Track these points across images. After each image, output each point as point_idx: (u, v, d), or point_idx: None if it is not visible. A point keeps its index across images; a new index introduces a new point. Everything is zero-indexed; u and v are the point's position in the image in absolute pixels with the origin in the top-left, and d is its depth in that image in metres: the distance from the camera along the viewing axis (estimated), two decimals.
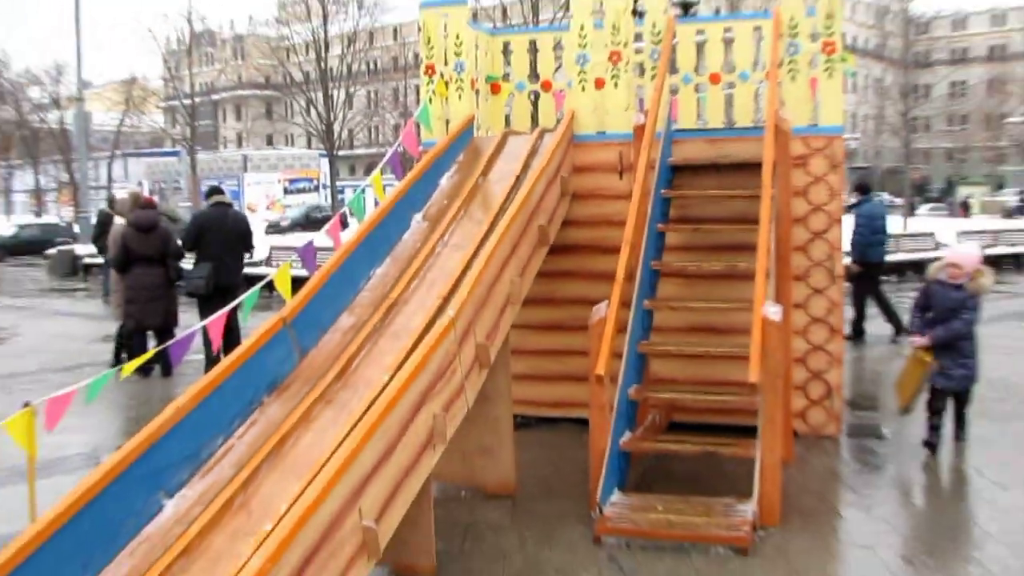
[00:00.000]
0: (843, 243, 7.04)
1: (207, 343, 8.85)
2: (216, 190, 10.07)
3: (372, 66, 56.72)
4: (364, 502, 3.66)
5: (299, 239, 10.72)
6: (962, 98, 66.29)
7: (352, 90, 42.35)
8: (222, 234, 9.35)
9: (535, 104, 7.83)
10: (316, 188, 51.83)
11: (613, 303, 5.35)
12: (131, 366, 4.89)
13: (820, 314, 6.80)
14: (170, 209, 14.48)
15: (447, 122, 7.20)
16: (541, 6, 28.51)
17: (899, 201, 39.20)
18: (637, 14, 7.36)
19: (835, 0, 6.72)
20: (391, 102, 57.04)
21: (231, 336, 8.48)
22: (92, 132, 34.83)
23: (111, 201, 16.83)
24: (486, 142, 6.98)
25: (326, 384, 4.53)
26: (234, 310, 5.30)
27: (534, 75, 7.68)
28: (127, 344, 9.77)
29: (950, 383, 6.24)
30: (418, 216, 6.02)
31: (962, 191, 55.48)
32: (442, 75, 7.20)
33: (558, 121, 7.14)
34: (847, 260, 9.64)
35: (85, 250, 22.22)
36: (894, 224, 20.71)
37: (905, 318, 8.38)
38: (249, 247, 9.96)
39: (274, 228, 39.53)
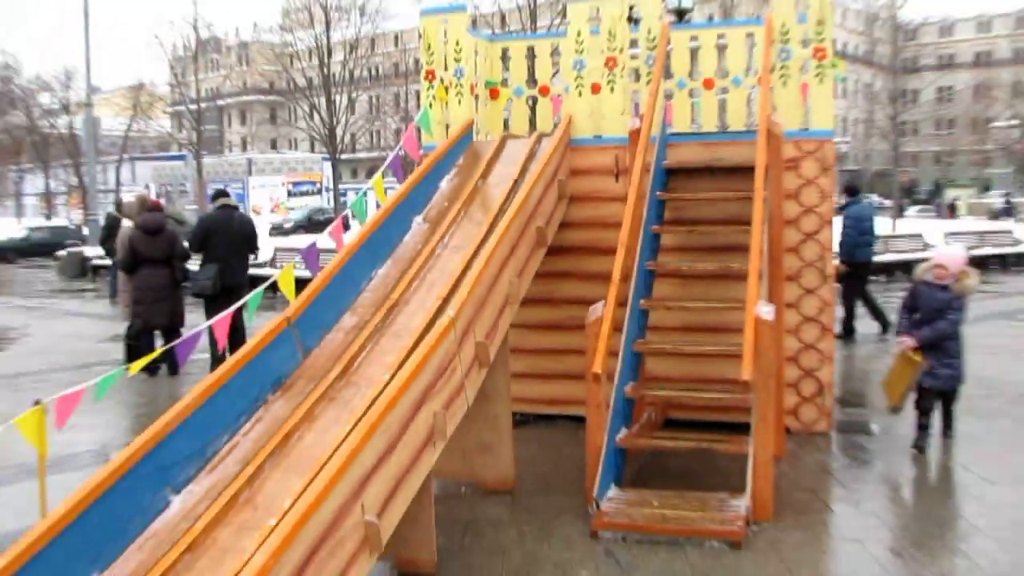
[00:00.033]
0: (833, 244, 7.04)
1: (213, 342, 8.85)
2: (222, 193, 10.07)
3: (374, 72, 56.67)
4: (366, 498, 3.65)
5: (302, 241, 10.71)
6: (949, 103, 66.33)
7: (354, 95, 42.25)
8: (228, 236, 9.35)
9: (533, 109, 7.83)
10: (319, 191, 51.80)
11: (609, 303, 5.35)
12: (138, 364, 4.88)
13: (812, 313, 6.80)
14: (177, 212, 14.46)
15: (447, 126, 7.20)
16: (539, 13, 28.53)
17: (888, 203, 39.24)
18: (633, 21, 7.37)
19: (826, 7, 6.71)
20: (392, 107, 57.07)
21: (237, 335, 8.48)
22: (101, 137, 34.84)
23: (118, 204, 16.83)
24: (485, 146, 6.98)
25: (329, 382, 4.53)
26: (240, 310, 5.30)
27: (532, 80, 7.68)
28: (135, 343, 9.76)
29: (936, 382, 6.23)
30: (419, 218, 6.02)
31: (949, 193, 55.55)
32: (442, 80, 7.19)
33: (555, 125, 7.14)
34: (835, 260, 9.65)
35: (94, 252, 22.20)
36: (883, 226, 20.71)
37: (892, 317, 8.39)
38: (254, 249, 9.97)
39: (277, 230, 39.54)
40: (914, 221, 38.55)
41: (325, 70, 37.35)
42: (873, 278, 17.07)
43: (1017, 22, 68.82)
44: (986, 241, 20.42)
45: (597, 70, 7.04)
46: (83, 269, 23.06)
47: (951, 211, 49.67)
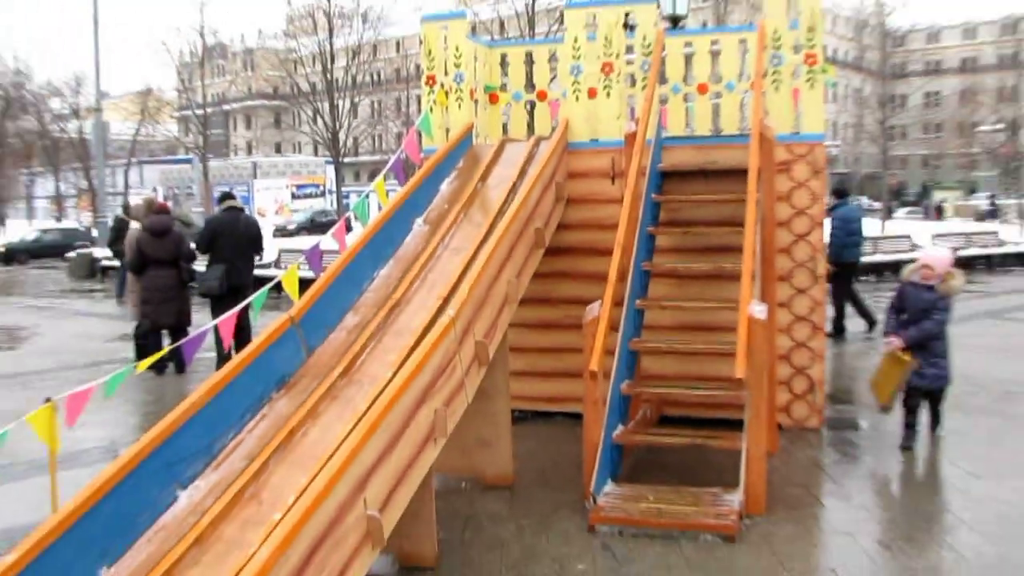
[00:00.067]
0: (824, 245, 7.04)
1: (219, 341, 8.85)
2: (228, 195, 10.07)
3: (376, 77, 56.60)
4: (368, 493, 3.65)
5: (306, 242, 10.70)
6: (936, 108, 66.34)
7: (357, 100, 42.15)
8: (234, 238, 9.35)
9: (531, 113, 7.82)
10: (322, 193, 51.77)
11: (606, 302, 5.35)
12: (145, 363, 4.88)
13: (803, 312, 6.80)
14: (184, 214, 14.46)
15: (447, 130, 7.19)
16: (537, 20, 28.51)
17: (877, 205, 39.27)
18: (628, 27, 7.36)
19: (816, 14, 6.72)
20: (394, 111, 56.99)
21: (242, 334, 8.47)
22: (109, 141, 34.76)
23: (126, 207, 16.83)
24: (484, 149, 6.97)
25: (332, 380, 4.52)
26: (245, 309, 5.29)
27: (530, 85, 7.67)
28: (144, 343, 9.76)
29: (923, 382, 6.20)
30: (420, 220, 6.01)
31: (936, 196, 55.54)
32: (442, 85, 7.19)
33: (553, 129, 7.13)
34: None
35: (103, 253, 22.17)
36: (873, 227, 20.74)
37: (880, 317, 8.38)
38: (259, 250, 9.96)
39: (281, 231, 39.53)
40: (902, 223, 38.55)
41: (328, 75, 37.29)
42: (864, 278, 17.15)
43: (1002, 29, 68.85)
44: (972, 242, 20.43)
45: (594, 75, 7.03)
46: (92, 270, 23.03)
47: (938, 213, 49.67)
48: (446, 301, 4.93)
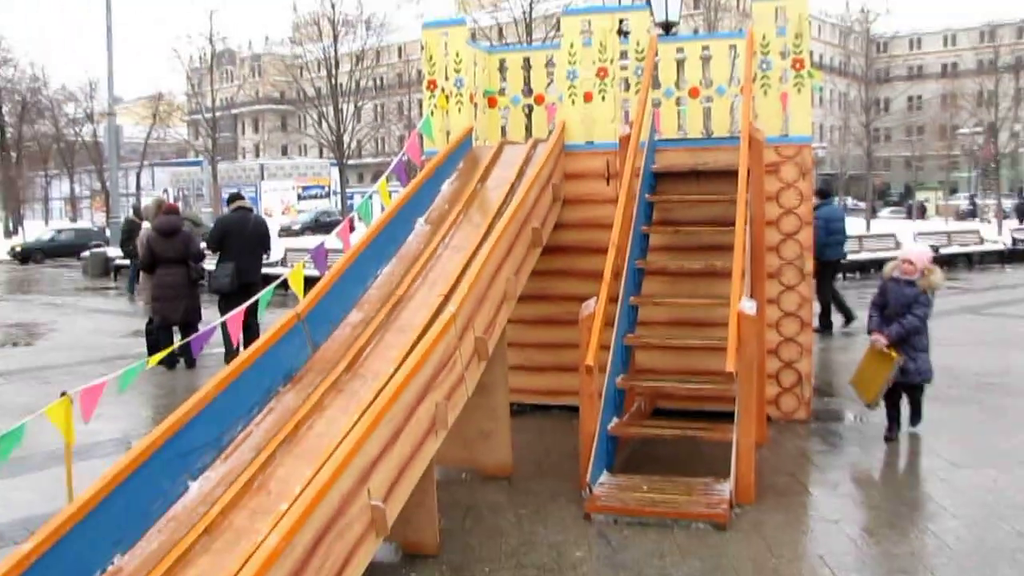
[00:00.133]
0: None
1: (227, 337, 8.83)
2: (237, 196, 10.07)
3: (379, 82, 56.53)
4: (372, 483, 3.64)
5: (310, 241, 10.70)
6: (918, 111, 66.36)
7: (360, 104, 42.18)
8: (243, 237, 9.35)
9: (529, 116, 7.81)
10: (327, 194, 51.70)
11: (601, 299, 5.34)
12: (155, 358, 4.88)
13: (791, 309, 6.79)
14: (193, 215, 14.41)
15: (448, 133, 7.18)
16: (534, 26, 28.50)
17: (862, 205, 39.29)
18: (622, 33, 7.35)
19: (803, 21, 6.71)
20: (396, 115, 57.03)
21: (251, 331, 8.46)
22: (122, 144, 34.68)
23: (136, 209, 16.82)
24: (484, 151, 6.96)
25: (337, 375, 4.51)
26: (254, 307, 5.28)
27: (528, 89, 7.66)
28: (154, 339, 9.75)
29: (903, 377, 6.15)
30: (421, 220, 6.00)
31: (919, 195, 55.57)
32: (443, 90, 7.18)
33: (550, 132, 7.12)
34: None
35: (116, 252, 22.14)
36: (858, 226, 20.76)
37: (859, 314, 8.36)
38: (267, 248, 9.97)
39: (286, 231, 39.47)
40: (886, 222, 38.59)
41: (333, 80, 37.27)
42: (850, 275, 17.17)
43: (981, 36, 68.81)
44: (953, 240, 20.45)
45: (589, 80, 7.02)
46: (106, 268, 22.99)
47: (921, 212, 49.73)
48: (447, 298, 4.92)
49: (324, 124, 39.17)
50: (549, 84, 7.50)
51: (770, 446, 6.11)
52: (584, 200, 6.91)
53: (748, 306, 5.17)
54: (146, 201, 16.53)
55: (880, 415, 6.43)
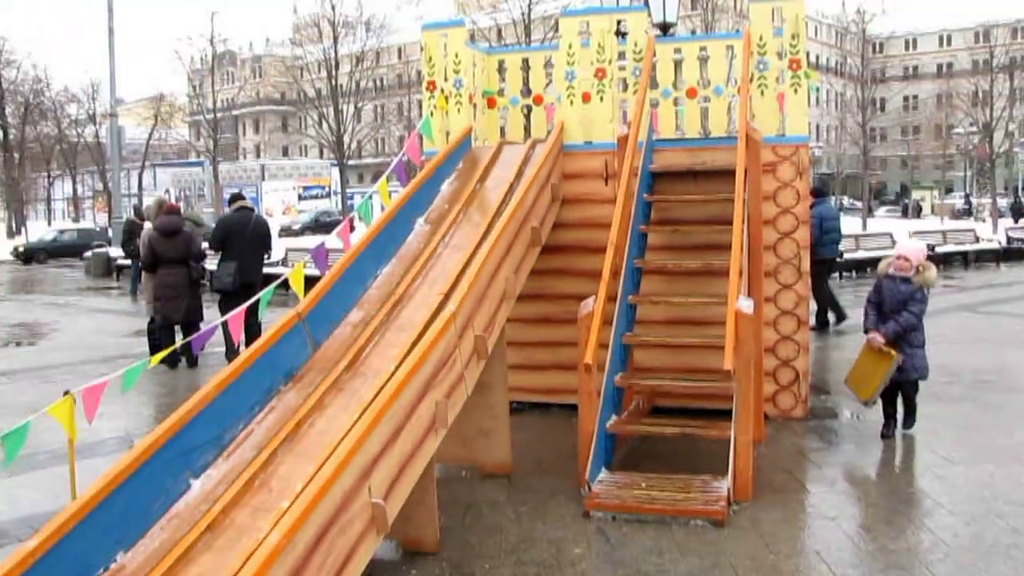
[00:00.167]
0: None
1: (228, 336, 8.84)
2: (239, 196, 10.07)
3: (378, 83, 56.54)
4: (373, 481, 3.64)
5: (310, 241, 10.69)
6: (914, 111, 66.41)
7: (360, 105, 42.18)
8: (245, 236, 9.35)
9: (528, 116, 7.81)
10: (328, 195, 51.66)
11: (600, 298, 5.34)
12: (157, 357, 4.88)
13: (788, 307, 6.79)
14: (195, 215, 14.41)
15: (447, 133, 7.17)
16: (533, 27, 28.49)
17: (859, 204, 39.28)
18: (620, 34, 7.35)
19: (800, 22, 6.70)
20: (396, 116, 57.02)
21: (252, 330, 8.46)
22: (124, 145, 34.67)
23: (137, 210, 16.80)
24: (483, 151, 6.96)
25: (338, 373, 4.51)
26: (255, 306, 5.27)
27: (527, 90, 7.65)
28: (156, 338, 9.75)
29: (900, 374, 6.13)
30: (421, 219, 5.99)
31: (915, 195, 55.58)
32: (442, 90, 7.17)
33: (549, 132, 7.12)
34: None
35: (118, 252, 22.13)
36: (853, 225, 20.75)
37: (851, 313, 8.35)
38: (268, 248, 9.96)
39: (286, 231, 39.43)
40: (883, 221, 38.61)
41: (333, 81, 37.25)
42: (846, 274, 17.18)
43: (975, 36, 68.85)
44: (949, 239, 20.45)
45: (587, 80, 7.02)
46: (108, 269, 22.99)
47: (917, 211, 49.75)
48: (446, 297, 4.91)
49: (324, 125, 39.16)
50: (548, 85, 7.51)
51: (768, 443, 6.11)
52: (582, 200, 6.91)
53: (746, 304, 5.17)
54: (148, 201, 16.52)
55: (876, 412, 6.42)
